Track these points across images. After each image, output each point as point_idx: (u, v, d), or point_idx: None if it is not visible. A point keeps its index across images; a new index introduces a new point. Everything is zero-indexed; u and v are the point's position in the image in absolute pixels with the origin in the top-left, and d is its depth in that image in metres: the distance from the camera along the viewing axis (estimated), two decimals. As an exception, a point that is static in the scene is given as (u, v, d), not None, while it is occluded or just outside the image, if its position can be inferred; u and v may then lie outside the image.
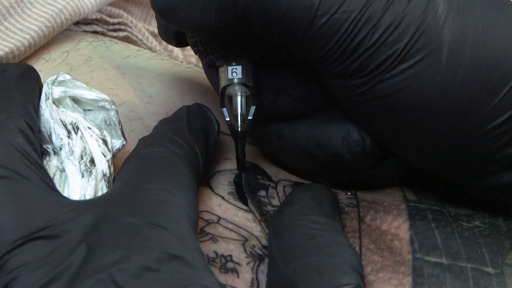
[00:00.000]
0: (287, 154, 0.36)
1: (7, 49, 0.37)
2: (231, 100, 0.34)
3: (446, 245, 0.32)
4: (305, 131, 0.35)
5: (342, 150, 0.34)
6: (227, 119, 0.34)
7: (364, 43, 0.30)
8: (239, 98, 0.33)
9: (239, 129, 0.34)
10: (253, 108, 0.34)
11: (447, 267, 0.31)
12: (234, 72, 0.33)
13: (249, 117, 0.34)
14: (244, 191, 0.34)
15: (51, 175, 0.30)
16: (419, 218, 0.33)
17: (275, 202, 0.34)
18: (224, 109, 0.34)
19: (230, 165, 0.35)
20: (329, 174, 0.36)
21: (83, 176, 0.29)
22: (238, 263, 0.30)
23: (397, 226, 0.33)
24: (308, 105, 0.35)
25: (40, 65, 0.38)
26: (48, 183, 0.28)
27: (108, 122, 0.32)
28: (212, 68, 0.36)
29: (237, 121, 0.34)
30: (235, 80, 0.33)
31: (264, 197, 0.34)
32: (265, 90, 0.35)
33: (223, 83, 0.34)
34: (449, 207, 0.34)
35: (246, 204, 0.34)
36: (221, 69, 0.34)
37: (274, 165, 0.37)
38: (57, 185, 0.29)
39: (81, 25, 0.43)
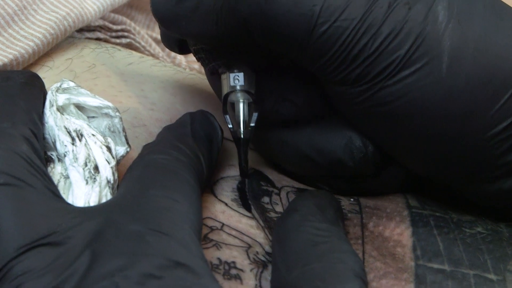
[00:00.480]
0: (290, 160, 0.36)
1: (11, 56, 0.37)
2: (233, 107, 0.34)
3: (449, 251, 0.32)
4: (308, 138, 0.35)
5: (345, 157, 0.34)
6: (230, 126, 0.34)
7: (365, 51, 0.30)
8: (241, 105, 0.33)
9: (242, 136, 0.33)
10: (255, 115, 0.34)
11: (449, 274, 0.31)
12: (236, 79, 0.34)
13: (252, 124, 0.34)
14: (248, 198, 0.34)
15: (56, 182, 0.30)
16: (421, 224, 0.33)
17: (279, 208, 0.34)
18: (227, 116, 0.34)
19: (233, 171, 0.36)
20: (332, 181, 0.36)
21: (87, 183, 0.29)
22: (241, 270, 0.30)
23: (399, 233, 0.33)
24: (309, 111, 0.35)
25: (44, 72, 0.38)
26: (52, 190, 0.28)
27: (112, 129, 0.32)
28: (214, 75, 0.36)
29: (240, 128, 0.34)
30: (237, 87, 0.34)
31: (267, 203, 0.34)
32: (267, 96, 0.35)
33: (225, 90, 0.34)
34: (452, 213, 0.35)
35: (249, 211, 0.34)
36: (223, 76, 0.34)
37: (277, 171, 0.37)
38: (61, 192, 0.29)
39: (84, 32, 0.43)
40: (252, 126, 0.34)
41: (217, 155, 0.34)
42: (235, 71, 0.34)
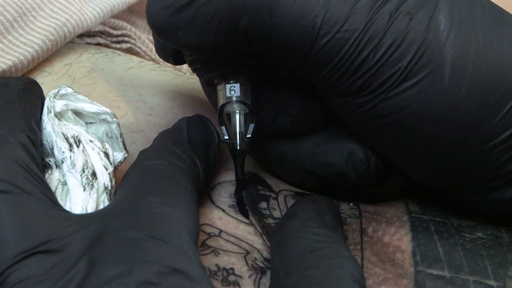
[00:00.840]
0: (290, 172, 0.36)
1: (10, 63, 0.37)
2: (229, 118, 0.34)
3: (449, 257, 0.31)
4: (308, 151, 0.34)
5: (347, 170, 0.34)
6: (226, 137, 0.34)
7: (366, 62, 0.30)
8: (237, 116, 0.33)
9: (238, 148, 0.33)
10: (251, 126, 0.33)
11: (449, 280, 0.30)
12: (232, 90, 0.33)
13: (248, 135, 0.33)
14: (245, 205, 0.34)
15: (53, 189, 0.30)
16: (421, 229, 0.33)
17: (277, 214, 0.34)
18: (223, 127, 0.34)
19: (230, 176, 0.35)
20: (331, 190, 0.36)
21: (84, 189, 0.29)
22: (240, 276, 0.30)
23: (399, 238, 0.33)
24: (307, 123, 0.35)
25: (43, 78, 0.38)
26: (49, 197, 0.28)
27: (110, 135, 0.32)
28: (210, 86, 0.35)
29: (236, 139, 0.33)
30: (234, 98, 0.33)
31: (265, 209, 0.34)
32: (264, 108, 0.34)
33: (221, 101, 0.34)
34: (452, 218, 0.34)
35: (247, 217, 0.34)
36: (219, 87, 0.34)
37: (275, 175, 0.37)
38: (59, 199, 0.29)
39: (84, 37, 0.43)
40: (248, 137, 0.33)
41: (214, 160, 0.34)
42: (231, 81, 0.33)
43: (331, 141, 0.34)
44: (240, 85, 0.33)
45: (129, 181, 0.30)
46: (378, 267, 0.32)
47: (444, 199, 0.36)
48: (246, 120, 0.33)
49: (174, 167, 0.30)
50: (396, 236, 0.33)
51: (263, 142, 0.36)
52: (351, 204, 0.36)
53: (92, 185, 0.29)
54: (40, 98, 0.32)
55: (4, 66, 0.37)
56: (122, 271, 0.25)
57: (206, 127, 0.34)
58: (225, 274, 0.30)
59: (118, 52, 0.43)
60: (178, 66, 0.47)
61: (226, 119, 0.34)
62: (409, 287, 0.30)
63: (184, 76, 0.42)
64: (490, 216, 0.34)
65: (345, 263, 0.28)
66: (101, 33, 0.45)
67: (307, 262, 0.28)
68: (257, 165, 0.37)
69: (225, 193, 0.34)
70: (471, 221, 0.34)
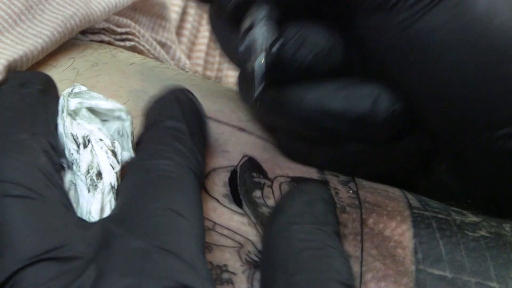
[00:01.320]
0: (306, 119, 0.33)
1: (21, 53, 0.38)
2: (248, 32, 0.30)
3: (451, 257, 0.31)
4: (330, 92, 0.32)
5: (371, 113, 0.32)
6: (242, 49, 0.30)
7: None
8: (263, 24, 0.30)
9: (265, 61, 0.30)
10: (277, 45, 0.30)
11: (450, 281, 0.30)
12: (259, 14, 0.31)
13: (273, 50, 0.30)
14: (240, 193, 0.33)
15: (67, 190, 0.30)
16: (423, 226, 0.32)
17: (271, 202, 0.33)
18: (246, 39, 0.30)
19: (225, 160, 0.34)
20: (342, 144, 0.34)
21: (89, 191, 0.29)
22: (233, 273, 0.30)
23: (400, 233, 0.32)
24: (330, 58, 0.32)
25: (48, 71, 0.39)
26: (64, 203, 0.28)
27: (121, 133, 0.32)
28: (227, 30, 0.33)
29: (263, 52, 0.30)
30: (259, 20, 0.30)
31: (259, 197, 0.33)
32: (287, 37, 0.32)
33: (247, 24, 0.31)
34: (454, 215, 0.33)
35: (241, 206, 0.33)
36: (246, 17, 0.31)
37: (272, 157, 0.35)
38: (72, 201, 0.29)
39: (88, 34, 0.43)
40: (274, 52, 0.31)
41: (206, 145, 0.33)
42: (259, 6, 0.31)
43: (356, 84, 0.33)
44: (266, 11, 0.31)
45: (135, 181, 0.29)
46: (378, 262, 0.31)
47: (442, 191, 0.35)
48: (273, 32, 0.30)
49: (180, 167, 0.30)
50: (398, 231, 0.32)
51: (281, 88, 0.33)
52: (351, 191, 0.34)
53: (95, 186, 0.29)
54: (57, 100, 0.33)
55: (16, 56, 0.37)
56: (131, 283, 0.25)
57: (197, 109, 0.33)
58: (218, 272, 0.30)
59: (121, 49, 0.43)
60: (181, 65, 0.47)
61: (245, 33, 0.30)
62: (409, 286, 0.29)
63: (186, 74, 0.42)
64: (492, 212, 0.33)
65: (331, 264, 0.27)
66: (105, 31, 0.45)
67: (292, 266, 0.27)
68: (254, 147, 0.35)
69: (219, 181, 0.33)
70: (473, 218, 0.33)
